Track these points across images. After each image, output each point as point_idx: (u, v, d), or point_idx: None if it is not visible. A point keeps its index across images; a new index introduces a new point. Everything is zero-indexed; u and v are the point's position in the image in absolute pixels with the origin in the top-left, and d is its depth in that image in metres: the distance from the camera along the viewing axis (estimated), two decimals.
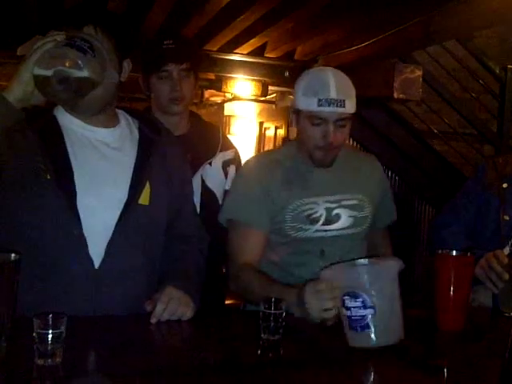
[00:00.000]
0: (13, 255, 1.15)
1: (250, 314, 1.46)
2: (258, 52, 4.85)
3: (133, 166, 1.59)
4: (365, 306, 1.30)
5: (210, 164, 2.24)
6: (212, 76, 5.09)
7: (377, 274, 1.34)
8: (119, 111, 1.69)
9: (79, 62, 1.36)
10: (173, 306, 1.46)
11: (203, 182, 2.19)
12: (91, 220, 1.49)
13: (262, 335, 1.34)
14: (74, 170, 1.50)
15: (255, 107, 6.71)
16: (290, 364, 1.24)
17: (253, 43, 4.60)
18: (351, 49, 4.09)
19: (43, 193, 1.47)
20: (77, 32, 1.45)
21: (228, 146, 2.35)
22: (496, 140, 5.09)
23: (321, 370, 1.22)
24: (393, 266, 1.38)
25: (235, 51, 4.81)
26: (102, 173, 1.55)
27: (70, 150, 1.53)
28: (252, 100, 5.93)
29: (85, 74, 1.38)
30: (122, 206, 1.53)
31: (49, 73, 1.35)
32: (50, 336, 1.09)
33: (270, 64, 4.94)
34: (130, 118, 1.70)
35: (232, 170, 2.30)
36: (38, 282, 1.46)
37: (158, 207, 1.62)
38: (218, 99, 6.71)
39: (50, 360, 1.09)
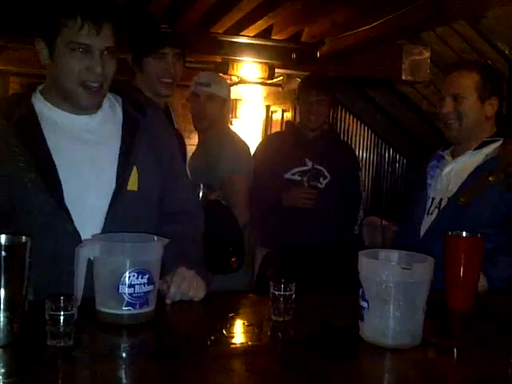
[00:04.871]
0: (24, 237, 1.16)
1: (260, 295, 1.46)
2: (265, 34, 4.82)
3: (118, 151, 1.55)
4: (363, 298, 1.23)
5: None
6: (218, 59, 5.05)
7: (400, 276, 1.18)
8: None
9: None
10: (185, 286, 1.45)
11: None
12: (82, 213, 1.47)
13: (272, 316, 1.34)
14: (56, 164, 1.47)
15: (262, 91, 6.67)
16: (301, 345, 1.24)
17: (259, 25, 4.57)
18: (359, 30, 4.05)
19: (29, 193, 1.44)
20: None
21: None
22: (504, 121, 5.04)
23: (331, 350, 1.22)
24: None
25: (241, 33, 4.77)
26: (87, 163, 1.51)
27: (50, 142, 1.48)
28: (258, 83, 5.89)
29: None
30: (110, 194, 1.51)
31: None
32: (62, 318, 1.10)
33: (277, 46, 4.91)
34: (112, 97, 1.63)
35: None
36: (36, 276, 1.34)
37: (147, 191, 1.58)
38: None
39: (62, 341, 1.10)
